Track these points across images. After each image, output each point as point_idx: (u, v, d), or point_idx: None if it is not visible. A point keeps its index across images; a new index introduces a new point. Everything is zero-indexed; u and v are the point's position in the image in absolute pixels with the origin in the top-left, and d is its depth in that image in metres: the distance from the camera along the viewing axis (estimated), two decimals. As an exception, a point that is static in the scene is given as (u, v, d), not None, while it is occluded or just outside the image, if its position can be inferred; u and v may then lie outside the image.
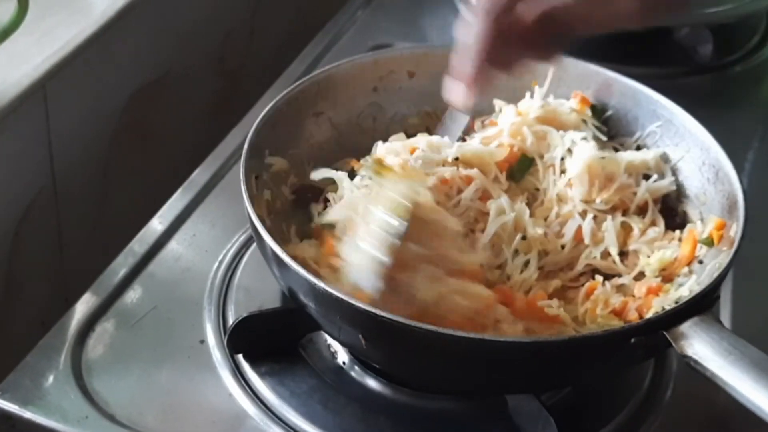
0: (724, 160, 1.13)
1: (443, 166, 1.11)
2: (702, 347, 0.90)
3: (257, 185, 1.09)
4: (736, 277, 1.22)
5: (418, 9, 1.78)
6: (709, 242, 1.10)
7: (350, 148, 1.21)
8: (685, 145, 1.19)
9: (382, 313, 0.91)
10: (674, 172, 1.19)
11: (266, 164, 1.13)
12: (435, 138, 1.16)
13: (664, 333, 0.92)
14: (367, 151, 1.19)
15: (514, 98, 1.25)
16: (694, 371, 0.91)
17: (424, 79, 1.27)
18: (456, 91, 0.99)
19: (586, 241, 1.10)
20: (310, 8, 1.94)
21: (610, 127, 1.25)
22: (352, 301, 0.92)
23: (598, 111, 1.24)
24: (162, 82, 1.58)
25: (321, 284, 0.93)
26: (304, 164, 1.17)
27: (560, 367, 0.95)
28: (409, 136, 1.20)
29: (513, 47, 0.94)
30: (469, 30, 0.94)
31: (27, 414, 1.03)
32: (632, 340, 0.91)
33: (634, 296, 1.06)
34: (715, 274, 1.00)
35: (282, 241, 1.01)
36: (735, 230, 1.06)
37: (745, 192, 1.09)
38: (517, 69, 0.96)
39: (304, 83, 1.18)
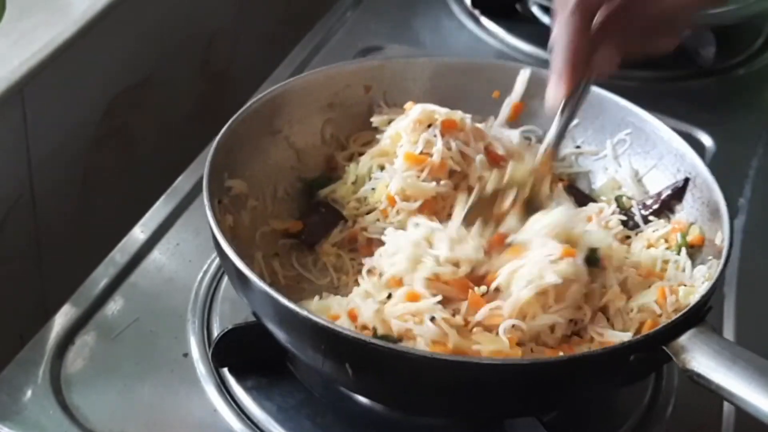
0: (701, 166, 1.13)
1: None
2: (704, 359, 0.90)
3: (219, 210, 1.08)
4: (739, 289, 1.23)
5: (409, 10, 1.78)
6: (683, 245, 1.11)
7: (309, 167, 1.22)
8: (657, 153, 1.20)
9: (374, 341, 0.91)
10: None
11: (226, 188, 1.12)
12: None
13: (664, 348, 0.92)
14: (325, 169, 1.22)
15: (483, 110, 1.27)
16: (698, 385, 0.91)
17: (380, 94, 1.27)
18: (549, 87, 1.03)
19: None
20: (298, 9, 1.94)
21: (577, 137, 1.27)
22: (340, 329, 0.92)
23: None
24: (144, 86, 1.57)
25: (302, 311, 0.92)
26: (263, 186, 1.18)
27: (559, 388, 0.96)
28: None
29: (600, 42, 1.00)
30: (558, 25, 0.99)
31: (4, 430, 1.02)
32: (632, 357, 0.92)
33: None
34: (708, 284, 1.01)
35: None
36: (721, 239, 1.06)
37: (727, 199, 1.09)
38: (604, 65, 1.02)
39: (258, 101, 1.18)
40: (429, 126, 1.16)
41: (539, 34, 1.62)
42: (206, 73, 1.77)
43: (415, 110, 1.18)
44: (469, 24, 1.74)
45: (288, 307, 0.92)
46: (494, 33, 1.73)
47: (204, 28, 1.73)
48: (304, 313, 0.91)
